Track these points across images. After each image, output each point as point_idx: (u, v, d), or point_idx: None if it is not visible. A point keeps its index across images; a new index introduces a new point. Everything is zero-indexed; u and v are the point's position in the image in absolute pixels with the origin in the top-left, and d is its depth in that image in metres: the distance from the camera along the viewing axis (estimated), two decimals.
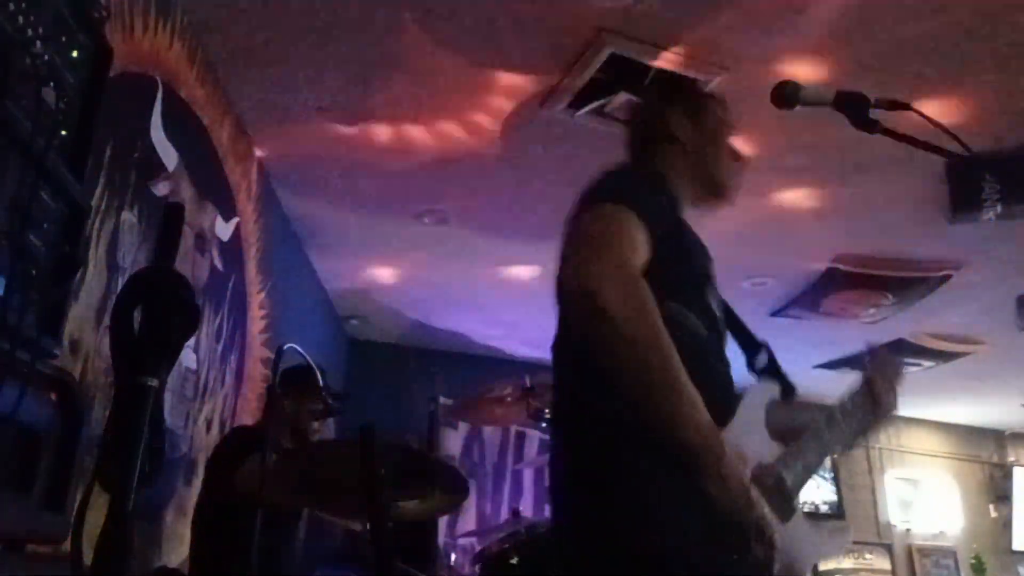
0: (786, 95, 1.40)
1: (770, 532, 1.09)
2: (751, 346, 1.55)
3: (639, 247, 1.19)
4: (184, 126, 2.68)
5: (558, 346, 1.38)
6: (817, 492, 6.98)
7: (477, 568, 2.91)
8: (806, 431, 1.41)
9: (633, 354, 1.09)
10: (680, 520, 1.11)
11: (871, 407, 1.53)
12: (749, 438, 1.19)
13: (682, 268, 1.34)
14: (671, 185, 1.46)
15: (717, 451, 1.07)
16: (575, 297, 1.14)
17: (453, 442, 5.85)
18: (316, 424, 2.75)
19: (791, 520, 1.25)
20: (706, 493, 1.07)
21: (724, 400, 1.23)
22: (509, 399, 3.38)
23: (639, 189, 1.33)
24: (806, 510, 7.13)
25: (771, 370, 1.49)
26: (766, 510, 1.11)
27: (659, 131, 1.55)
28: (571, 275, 1.14)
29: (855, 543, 6.84)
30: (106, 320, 2.03)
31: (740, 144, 3.32)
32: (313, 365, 2.57)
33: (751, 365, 1.52)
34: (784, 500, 1.25)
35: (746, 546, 1.08)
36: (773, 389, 1.40)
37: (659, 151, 1.54)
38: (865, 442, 1.68)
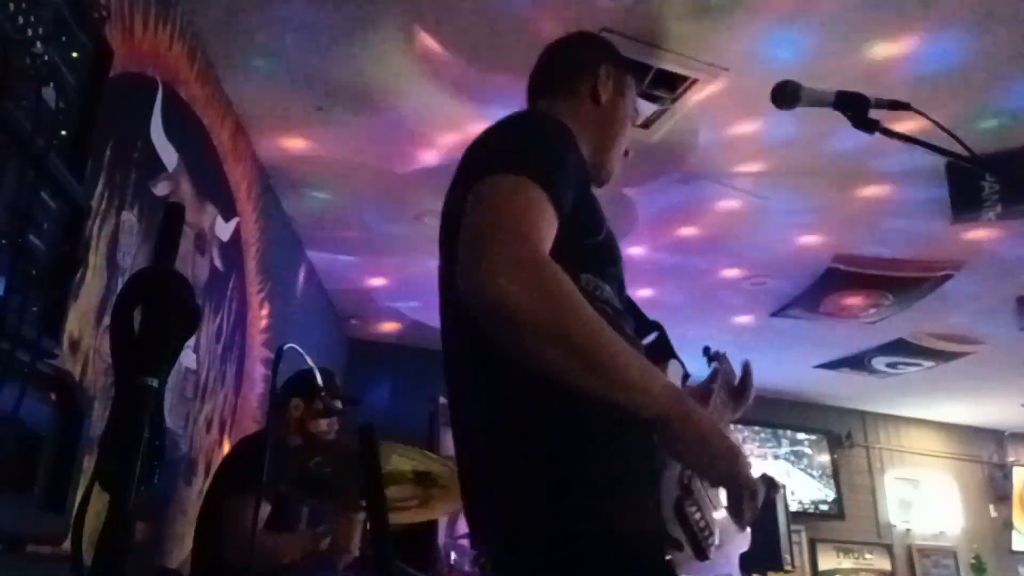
0: (786, 95, 1.39)
1: (755, 481, 1.02)
2: (642, 325, 1.44)
3: (548, 228, 1.03)
4: (184, 126, 2.68)
5: (457, 352, 1.25)
6: (817, 491, 6.98)
7: (477, 569, 2.91)
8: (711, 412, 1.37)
9: (562, 347, 0.93)
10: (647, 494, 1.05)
11: (735, 389, 1.51)
12: None
13: (595, 242, 1.20)
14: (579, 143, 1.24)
15: (692, 410, 0.98)
16: (476, 303, 0.95)
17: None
18: (325, 423, 2.75)
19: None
20: (696, 455, 0.98)
21: None
22: None
23: (547, 149, 1.13)
24: (807, 510, 7.10)
25: (665, 351, 1.39)
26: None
27: (585, 82, 1.39)
28: (466, 276, 0.96)
29: (855, 543, 6.85)
30: (106, 320, 2.03)
31: (739, 143, 3.34)
32: (314, 367, 2.58)
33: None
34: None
35: (743, 502, 1.01)
36: (680, 369, 1.32)
37: (574, 104, 1.37)
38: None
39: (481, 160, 1.14)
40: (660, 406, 0.97)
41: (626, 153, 1.46)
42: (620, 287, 1.27)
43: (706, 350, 1.61)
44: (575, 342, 0.94)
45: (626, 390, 0.96)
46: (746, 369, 1.55)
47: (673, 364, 1.33)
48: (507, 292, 0.92)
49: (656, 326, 1.43)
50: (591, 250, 1.18)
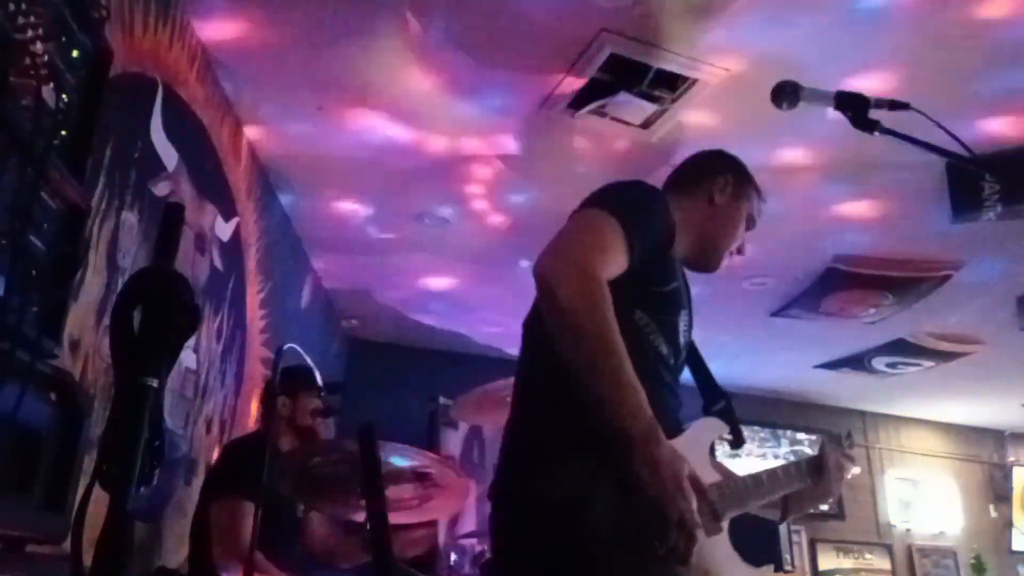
0: (787, 95, 1.40)
1: (694, 525, 1.12)
2: (713, 393, 1.63)
3: (613, 255, 1.28)
4: (184, 126, 2.68)
5: (528, 325, 1.47)
6: None
7: (477, 570, 2.91)
8: (746, 477, 1.52)
9: (580, 344, 1.18)
10: (607, 500, 1.17)
11: (815, 480, 1.65)
12: (691, 458, 1.23)
13: (659, 290, 1.41)
14: (678, 229, 1.48)
15: (651, 437, 1.13)
16: (539, 285, 1.24)
17: (453, 442, 5.85)
18: (317, 422, 2.75)
19: (715, 537, 1.32)
20: (636, 476, 1.12)
21: (665, 415, 1.28)
22: (508, 398, 3.36)
23: (638, 206, 1.38)
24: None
25: (727, 417, 1.56)
26: (695, 506, 1.14)
27: (703, 184, 1.62)
28: (539, 265, 1.24)
29: (855, 543, 6.85)
30: (106, 320, 2.03)
31: (740, 143, 3.33)
32: (310, 363, 2.57)
33: (707, 409, 1.61)
34: (712, 516, 1.31)
35: (665, 533, 1.11)
36: (724, 430, 1.49)
37: (690, 199, 1.60)
38: (799, 515, 1.86)
39: (588, 200, 1.41)
40: (638, 427, 1.13)
41: (741, 251, 1.71)
42: (674, 336, 1.43)
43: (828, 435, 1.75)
44: (588, 331, 1.18)
45: (611, 391, 1.16)
46: (822, 451, 1.69)
47: (712, 420, 1.51)
48: (557, 275, 1.21)
49: (723, 395, 1.62)
50: (652, 295, 1.39)
